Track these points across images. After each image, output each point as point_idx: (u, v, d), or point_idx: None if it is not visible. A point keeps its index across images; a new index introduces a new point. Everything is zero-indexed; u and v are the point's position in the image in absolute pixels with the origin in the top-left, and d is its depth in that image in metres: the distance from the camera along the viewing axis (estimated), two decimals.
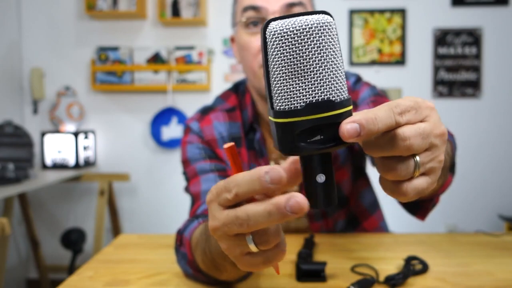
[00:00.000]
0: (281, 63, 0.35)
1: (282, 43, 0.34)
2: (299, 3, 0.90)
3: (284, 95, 0.35)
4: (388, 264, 0.81)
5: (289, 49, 0.34)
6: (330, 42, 0.34)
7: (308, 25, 0.34)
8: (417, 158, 0.38)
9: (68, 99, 2.83)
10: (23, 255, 2.82)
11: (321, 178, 0.36)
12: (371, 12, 2.74)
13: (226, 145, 0.38)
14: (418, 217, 0.81)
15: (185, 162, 0.97)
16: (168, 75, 2.75)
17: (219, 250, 0.57)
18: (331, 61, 0.34)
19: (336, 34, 0.35)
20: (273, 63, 0.35)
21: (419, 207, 0.81)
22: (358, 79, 1.03)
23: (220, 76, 2.80)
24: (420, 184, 0.39)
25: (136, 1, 2.67)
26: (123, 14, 2.69)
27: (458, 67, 2.74)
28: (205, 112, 1.05)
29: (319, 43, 0.34)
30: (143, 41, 2.80)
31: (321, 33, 0.34)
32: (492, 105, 2.74)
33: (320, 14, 0.35)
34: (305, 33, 0.34)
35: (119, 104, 2.84)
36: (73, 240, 2.55)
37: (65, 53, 2.83)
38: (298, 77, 0.34)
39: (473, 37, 2.72)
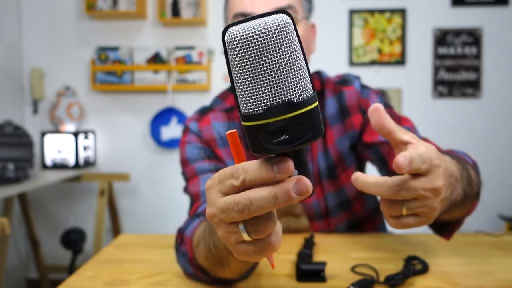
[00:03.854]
0: (240, 69, 0.35)
1: (239, 50, 0.34)
2: (288, 7, 0.90)
3: (246, 100, 0.35)
4: (388, 264, 0.80)
5: (246, 55, 0.34)
6: (287, 43, 0.34)
7: (263, 29, 0.34)
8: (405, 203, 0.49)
9: (68, 99, 2.83)
10: (23, 255, 2.82)
11: (294, 173, 0.37)
12: (371, 12, 2.74)
13: (229, 132, 0.38)
14: (444, 237, 0.81)
15: (184, 162, 0.97)
16: (168, 75, 2.75)
17: (224, 244, 0.58)
18: (289, 62, 0.35)
19: (294, 33, 0.35)
20: (233, 69, 0.36)
21: (447, 228, 0.81)
22: (363, 85, 1.05)
23: (220, 76, 2.80)
24: (408, 222, 0.50)
25: (136, 1, 2.67)
26: (123, 14, 2.69)
27: (458, 67, 2.73)
28: (203, 112, 1.05)
29: (275, 46, 0.34)
30: (143, 41, 2.80)
31: (277, 36, 0.34)
32: (492, 105, 2.74)
33: (277, 15, 0.35)
34: (260, 37, 0.34)
35: (119, 104, 2.84)
36: (73, 240, 2.55)
37: (65, 53, 2.83)
38: (257, 81, 0.35)
39: (473, 37, 2.72)
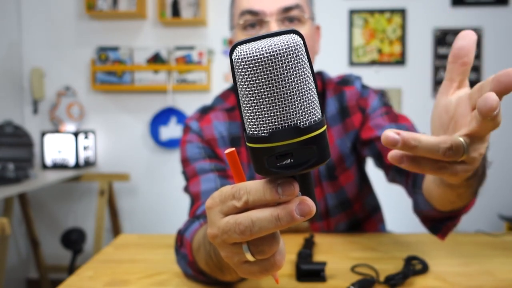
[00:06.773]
0: (247, 90, 0.34)
1: (246, 70, 0.33)
2: (296, 6, 0.90)
3: (252, 121, 0.34)
4: (388, 264, 0.80)
5: (253, 76, 0.33)
6: (297, 66, 0.33)
7: (273, 50, 0.32)
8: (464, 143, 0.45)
9: (68, 99, 2.83)
10: (23, 255, 2.82)
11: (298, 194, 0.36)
12: (371, 12, 2.74)
13: (227, 151, 0.37)
14: (439, 236, 0.81)
15: (185, 162, 0.97)
16: (168, 75, 2.75)
17: None
18: (298, 86, 0.33)
19: (305, 54, 0.34)
20: (240, 89, 0.34)
21: (442, 226, 0.80)
22: (364, 85, 1.06)
23: (220, 76, 2.79)
24: (457, 168, 0.48)
25: (136, 1, 2.67)
26: (123, 14, 2.69)
27: None
28: (204, 111, 1.04)
29: (285, 69, 0.33)
30: (143, 41, 2.80)
31: (287, 58, 0.33)
32: None
33: (288, 35, 0.33)
34: (269, 59, 0.32)
35: (119, 104, 2.84)
36: (73, 240, 2.55)
37: (65, 53, 2.83)
38: (263, 103, 0.33)
39: None
